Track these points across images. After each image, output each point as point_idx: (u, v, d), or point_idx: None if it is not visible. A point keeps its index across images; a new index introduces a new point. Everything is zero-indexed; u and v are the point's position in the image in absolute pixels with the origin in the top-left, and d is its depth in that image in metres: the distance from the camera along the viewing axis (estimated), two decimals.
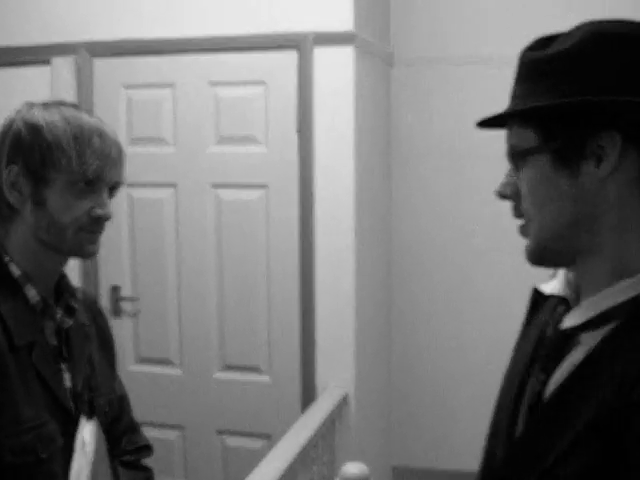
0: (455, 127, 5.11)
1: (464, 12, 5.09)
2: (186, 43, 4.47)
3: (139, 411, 4.72)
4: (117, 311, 4.74)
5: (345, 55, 4.27)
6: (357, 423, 4.49)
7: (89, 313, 2.07)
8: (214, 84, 4.48)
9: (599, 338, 1.32)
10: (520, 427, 1.46)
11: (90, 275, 4.72)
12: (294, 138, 4.37)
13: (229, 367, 4.62)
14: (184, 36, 4.46)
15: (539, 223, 1.39)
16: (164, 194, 4.62)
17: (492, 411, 1.63)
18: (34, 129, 1.80)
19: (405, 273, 5.30)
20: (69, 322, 1.91)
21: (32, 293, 1.84)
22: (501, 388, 1.61)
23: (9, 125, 1.83)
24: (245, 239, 4.50)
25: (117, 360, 2.24)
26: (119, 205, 4.65)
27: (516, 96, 1.42)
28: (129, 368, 4.74)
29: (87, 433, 1.90)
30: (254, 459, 3.99)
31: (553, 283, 1.53)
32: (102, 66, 4.64)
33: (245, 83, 4.45)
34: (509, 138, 1.44)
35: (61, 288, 1.94)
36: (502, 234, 5.06)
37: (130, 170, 4.64)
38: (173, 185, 4.60)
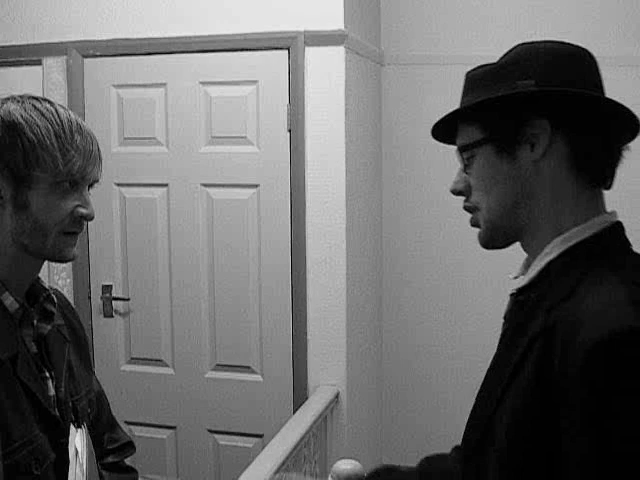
0: None
1: (454, 12, 5.09)
2: (177, 43, 4.47)
3: (131, 410, 4.75)
4: (108, 311, 4.74)
5: (336, 55, 4.28)
6: (349, 421, 4.50)
7: (60, 312, 1.96)
8: (205, 84, 4.49)
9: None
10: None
11: (81, 274, 4.72)
12: (285, 137, 4.38)
13: (221, 366, 4.62)
14: (175, 36, 4.46)
15: (487, 207, 1.61)
16: (156, 194, 4.62)
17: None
18: (13, 128, 1.71)
19: (396, 272, 5.31)
20: (47, 328, 1.84)
21: (9, 301, 1.75)
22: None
23: None
24: (237, 239, 4.51)
25: (95, 354, 2.17)
26: (111, 204, 4.66)
27: (461, 104, 1.67)
28: (121, 368, 4.75)
29: (78, 441, 1.87)
30: (246, 458, 4.01)
31: (514, 273, 1.73)
32: (93, 66, 4.63)
33: (236, 83, 4.45)
34: (458, 140, 1.67)
35: (34, 291, 1.86)
36: None
37: (122, 170, 4.69)
38: (165, 185, 4.60)
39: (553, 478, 1.39)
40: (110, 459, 2.13)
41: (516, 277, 1.70)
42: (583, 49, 1.61)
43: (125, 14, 4.53)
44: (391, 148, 5.23)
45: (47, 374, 1.82)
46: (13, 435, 1.65)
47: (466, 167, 1.64)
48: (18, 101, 1.77)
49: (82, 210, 1.78)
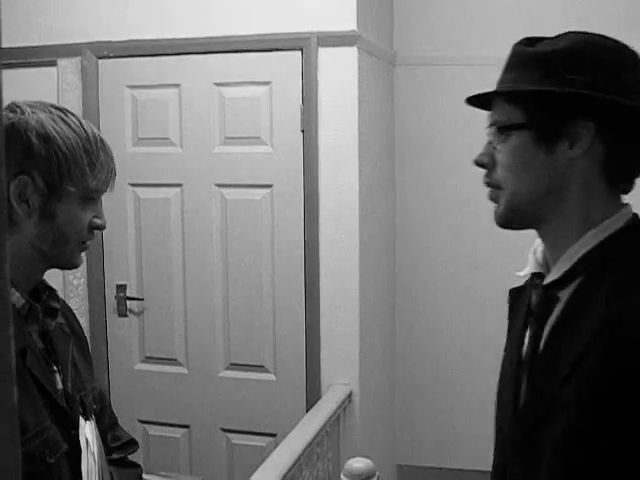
0: (458, 126, 5.13)
1: (466, 13, 5.10)
2: (191, 44, 4.49)
3: (145, 409, 4.78)
4: (123, 310, 4.76)
5: (349, 55, 4.29)
6: (362, 421, 4.52)
7: (61, 312, 1.99)
8: (219, 84, 4.51)
9: (571, 291, 1.55)
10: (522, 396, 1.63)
11: (96, 274, 4.74)
12: (299, 138, 4.40)
13: (234, 365, 4.64)
14: (189, 37, 4.48)
15: (513, 190, 1.61)
16: (170, 194, 4.64)
17: (497, 393, 1.78)
18: (47, 140, 1.73)
19: (410, 271, 5.32)
20: (52, 323, 1.87)
21: (16, 297, 1.77)
22: (500, 372, 1.79)
23: (15, 131, 1.72)
24: (250, 239, 4.53)
25: (108, 353, 2.20)
26: (125, 205, 4.68)
27: (506, 80, 1.63)
28: (135, 367, 4.77)
29: (88, 433, 1.91)
30: (259, 457, 4.03)
31: (524, 270, 1.76)
32: (107, 67, 4.66)
33: (250, 83, 4.47)
34: (494, 114, 1.66)
35: (38, 290, 1.89)
36: (507, 234, 5.08)
37: (136, 170, 4.71)
38: (179, 185, 4.62)
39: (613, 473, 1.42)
40: (115, 455, 2.16)
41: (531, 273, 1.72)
42: (634, 51, 1.60)
43: (139, 15, 4.56)
44: (404, 148, 5.24)
45: (54, 368, 1.86)
46: (26, 425, 1.67)
47: (498, 142, 1.63)
48: (44, 111, 1.78)
49: (97, 221, 1.84)
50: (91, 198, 1.81)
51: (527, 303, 1.71)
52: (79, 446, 1.85)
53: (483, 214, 5.07)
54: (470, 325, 5.25)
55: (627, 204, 1.61)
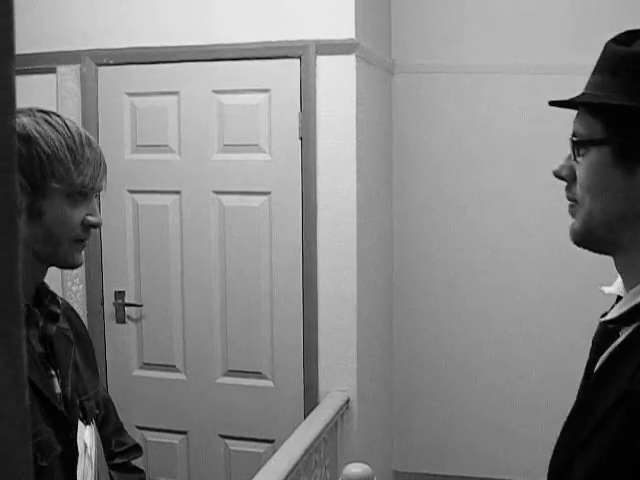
0: (456, 134, 5.15)
1: (464, 21, 5.13)
2: (190, 51, 4.51)
3: (143, 416, 4.79)
4: (121, 316, 4.77)
5: (347, 63, 4.31)
6: (359, 427, 4.53)
7: (65, 317, 2.03)
8: (218, 92, 4.52)
9: (630, 330, 1.40)
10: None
11: (94, 280, 4.75)
12: (297, 145, 4.41)
13: (232, 372, 4.65)
14: (188, 44, 4.50)
15: (589, 209, 1.44)
16: (168, 201, 4.66)
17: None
18: (27, 141, 1.75)
19: (408, 278, 5.33)
20: (53, 328, 1.88)
21: None
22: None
23: None
24: (248, 245, 4.54)
25: (107, 359, 2.21)
26: (124, 211, 4.69)
27: (592, 85, 1.46)
28: (133, 373, 4.78)
29: (87, 437, 1.91)
30: (257, 463, 4.04)
31: (614, 285, 1.57)
32: (107, 74, 4.68)
33: (248, 91, 4.48)
34: (576, 122, 1.48)
35: (40, 294, 1.91)
36: (506, 235, 5.10)
37: (135, 177, 4.73)
38: (177, 192, 4.63)
39: None
40: (118, 460, 2.18)
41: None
42: None
43: (138, 23, 4.58)
44: (402, 155, 5.26)
45: (53, 372, 1.87)
46: None
47: (577, 156, 1.46)
48: (29, 115, 1.82)
49: (91, 218, 1.85)
50: (81, 195, 1.82)
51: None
52: (75, 450, 1.86)
53: (480, 221, 5.12)
54: (468, 332, 5.26)
55: None
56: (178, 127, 4.60)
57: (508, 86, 5.08)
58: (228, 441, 4.69)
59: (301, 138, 4.39)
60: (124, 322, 4.78)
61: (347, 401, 4.42)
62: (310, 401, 4.47)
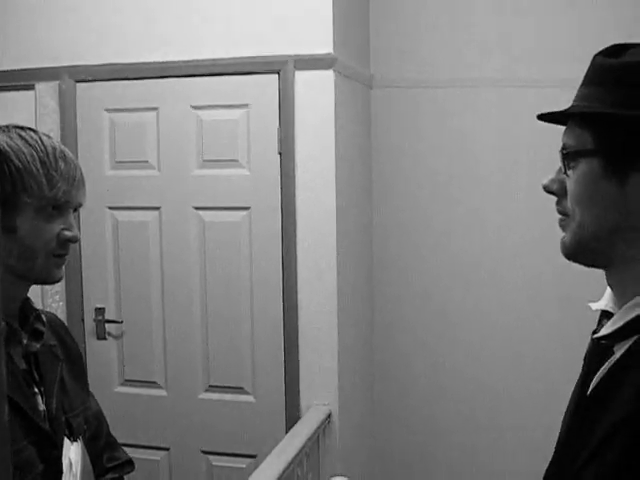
0: (435, 147, 5.16)
1: (443, 36, 5.14)
2: (169, 67, 4.52)
3: (125, 432, 4.75)
4: (101, 333, 4.76)
5: (325, 78, 4.33)
6: (341, 441, 4.52)
7: (54, 333, 2.03)
8: (197, 107, 4.53)
9: (626, 347, 1.37)
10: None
11: (74, 297, 4.74)
12: (276, 160, 4.42)
13: (214, 387, 4.64)
14: (167, 60, 4.51)
15: (580, 221, 1.43)
16: (148, 217, 4.65)
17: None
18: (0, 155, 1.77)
19: (388, 292, 5.34)
20: (36, 346, 1.88)
21: None
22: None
23: None
24: (228, 261, 4.54)
25: (88, 376, 2.20)
26: (104, 228, 4.68)
27: (580, 97, 1.45)
28: (114, 390, 4.76)
29: (73, 454, 1.91)
30: (240, 479, 4.03)
31: (601, 301, 1.55)
32: (85, 90, 4.67)
33: (227, 106, 4.49)
34: (565, 136, 1.47)
35: (25, 312, 1.91)
36: (483, 251, 5.12)
37: (114, 193, 4.72)
38: (157, 208, 4.63)
39: None
40: (109, 476, 2.17)
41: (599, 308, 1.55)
42: None
43: (117, 39, 4.58)
44: (381, 169, 5.27)
45: (36, 389, 1.86)
46: None
47: (567, 169, 1.45)
48: (3, 131, 1.83)
49: (67, 233, 1.85)
50: (55, 210, 1.82)
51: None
52: (60, 467, 1.85)
53: (459, 233, 5.13)
54: (450, 345, 5.26)
55: None
56: (157, 143, 4.60)
57: (487, 100, 5.10)
58: (210, 457, 4.68)
59: (280, 153, 4.40)
60: (104, 339, 4.77)
61: (329, 415, 4.42)
62: (292, 416, 4.47)
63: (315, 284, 4.41)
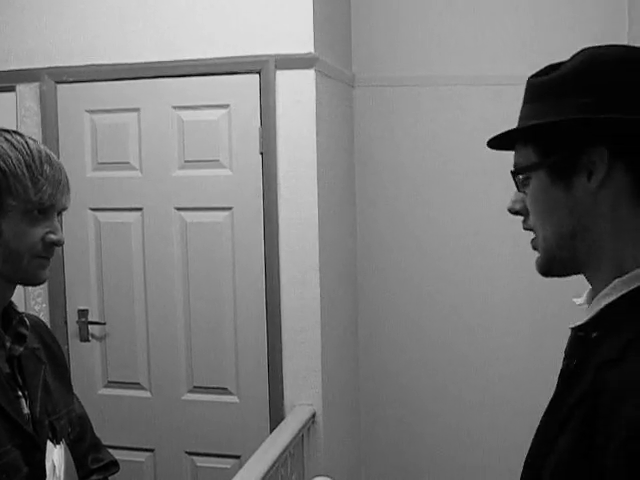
0: (418, 146, 5.17)
1: (424, 35, 5.15)
2: (149, 68, 4.51)
3: (109, 434, 4.74)
4: (85, 335, 4.75)
5: (307, 78, 4.33)
6: (326, 441, 4.53)
7: (37, 336, 2.04)
8: (178, 108, 4.52)
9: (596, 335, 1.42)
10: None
11: (57, 299, 4.73)
12: (258, 160, 4.42)
13: (197, 388, 4.63)
14: (147, 61, 4.50)
15: (543, 235, 1.49)
16: (130, 218, 4.64)
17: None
18: None
19: (372, 291, 5.34)
20: (19, 349, 1.89)
21: None
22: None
23: None
24: (211, 261, 4.54)
25: (72, 378, 2.21)
26: (86, 229, 4.67)
27: (520, 118, 1.51)
28: (98, 392, 4.76)
29: (56, 457, 1.90)
30: (224, 479, 4.02)
31: (584, 296, 1.58)
32: (66, 92, 4.66)
33: (208, 107, 4.48)
34: (515, 157, 1.53)
35: (8, 315, 1.91)
36: (464, 250, 5.13)
37: (96, 195, 4.71)
38: (139, 209, 4.62)
39: None
40: (94, 477, 2.17)
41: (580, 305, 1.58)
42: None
43: (97, 40, 4.56)
44: (364, 169, 5.28)
45: (20, 393, 1.87)
46: None
47: (521, 187, 1.52)
48: None
49: (52, 236, 1.84)
50: (41, 213, 1.82)
51: None
52: (43, 471, 1.86)
53: (444, 232, 5.14)
54: (436, 343, 5.28)
55: None
56: (139, 144, 4.60)
57: (470, 98, 5.11)
58: (195, 457, 4.67)
59: (262, 153, 4.40)
60: (88, 340, 4.76)
61: (313, 415, 4.42)
62: (276, 416, 4.47)
63: (298, 284, 4.41)
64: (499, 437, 5.16)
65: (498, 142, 1.59)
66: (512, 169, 1.52)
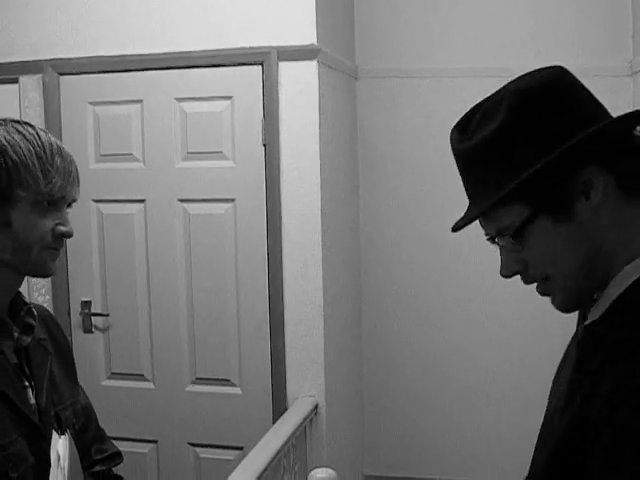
0: (421, 138, 5.17)
1: (427, 26, 5.15)
2: (152, 60, 4.51)
3: (112, 425, 4.75)
4: (88, 326, 4.76)
5: (309, 69, 4.32)
6: (328, 432, 4.53)
7: (44, 326, 2.04)
8: (181, 100, 4.52)
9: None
10: None
11: (61, 290, 4.74)
12: (261, 152, 4.42)
13: (200, 380, 4.64)
14: (150, 52, 4.49)
15: (561, 275, 1.46)
16: (133, 209, 4.65)
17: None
18: None
19: (375, 282, 5.34)
20: (27, 340, 1.89)
21: None
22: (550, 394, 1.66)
23: None
24: (214, 253, 4.54)
25: (76, 369, 2.21)
26: (89, 221, 4.68)
27: (471, 190, 1.52)
28: (101, 383, 4.76)
29: (61, 447, 1.91)
30: (227, 470, 4.02)
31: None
32: (69, 84, 4.66)
33: (211, 98, 4.48)
34: (490, 225, 1.51)
35: (16, 306, 1.91)
36: (468, 241, 5.13)
37: (99, 186, 4.70)
38: (142, 200, 4.62)
39: None
40: (98, 468, 2.17)
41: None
42: (557, 67, 1.50)
43: (100, 32, 4.56)
44: (367, 160, 5.28)
45: (27, 383, 1.87)
46: None
47: (518, 245, 1.48)
48: (1, 124, 1.82)
49: (62, 228, 1.84)
50: (51, 205, 1.82)
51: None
52: (48, 461, 1.86)
53: (447, 223, 5.12)
54: (439, 333, 5.28)
55: None
56: (142, 135, 4.60)
57: (473, 89, 5.06)
58: (198, 449, 4.68)
59: (265, 144, 4.40)
60: (91, 332, 4.77)
61: (316, 406, 4.43)
62: (278, 407, 4.47)
63: (301, 275, 4.41)
64: (503, 428, 5.16)
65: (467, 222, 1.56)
66: (500, 232, 1.50)
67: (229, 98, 4.45)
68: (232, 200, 4.48)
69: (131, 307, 4.71)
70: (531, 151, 1.41)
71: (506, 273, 1.54)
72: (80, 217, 4.60)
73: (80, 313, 4.76)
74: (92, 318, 4.76)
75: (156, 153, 4.58)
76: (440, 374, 5.30)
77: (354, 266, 5.23)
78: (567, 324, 1.54)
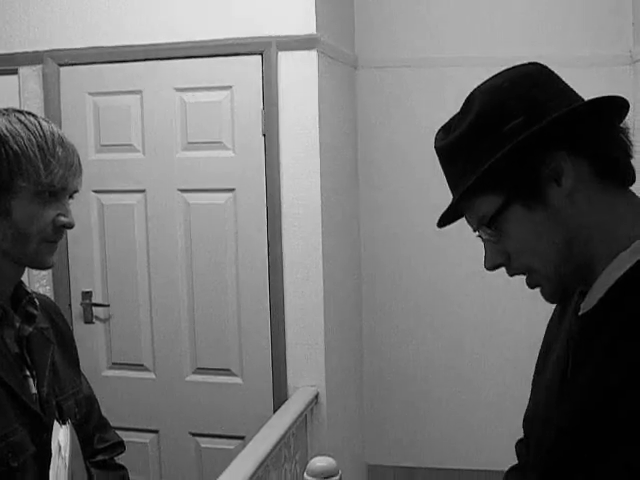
0: (422, 128, 5.16)
1: (427, 16, 5.14)
2: (152, 50, 4.50)
3: (113, 415, 4.75)
4: (89, 317, 4.76)
5: (309, 59, 4.32)
6: (329, 422, 4.54)
7: (46, 316, 2.04)
8: (180, 90, 4.52)
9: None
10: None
11: (61, 281, 4.74)
12: (260, 142, 4.42)
13: (201, 370, 4.65)
14: (150, 43, 4.49)
15: (543, 264, 1.48)
16: (133, 200, 4.65)
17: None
18: None
19: (374, 271, 5.35)
20: (29, 329, 1.89)
21: None
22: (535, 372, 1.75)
23: None
24: (214, 243, 4.54)
25: (79, 359, 2.21)
26: (89, 211, 4.68)
27: (452, 181, 1.56)
28: (102, 373, 4.77)
29: (62, 437, 1.91)
30: (228, 460, 4.03)
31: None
32: (69, 74, 4.66)
33: (211, 88, 4.48)
34: (472, 215, 1.54)
35: (18, 295, 1.92)
36: (469, 236, 5.13)
37: (99, 177, 4.70)
38: (142, 191, 4.63)
39: None
40: (100, 457, 2.17)
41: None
42: (533, 64, 1.56)
43: (99, 22, 4.56)
44: (367, 150, 5.27)
45: (28, 373, 1.87)
46: None
47: (496, 237, 1.51)
48: (3, 114, 1.83)
49: (63, 219, 1.84)
50: (52, 195, 1.82)
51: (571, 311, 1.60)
52: (50, 450, 1.86)
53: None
54: (438, 324, 5.29)
55: None
56: (141, 126, 4.60)
57: (474, 79, 5.02)
58: (199, 438, 4.70)
59: (264, 134, 4.40)
60: (92, 322, 4.77)
61: (316, 396, 4.44)
62: (279, 397, 4.48)
63: (301, 265, 4.41)
64: (503, 420, 5.16)
65: (451, 216, 1.61)
66: (480, 223, 1.52)
67: (229, 88, 4.45)
68: (232, 190, 4.48)
69: (132, 297, 4.71)
70: (503, 142, 1.42)
71: (489, 265, 1.56)
72: (80, 208, 4.59)
73: (81, 304, 4.76)
74: (93, 308, 4.77)
75: (156, 143, 4.58)
76: (439, 364, 5.30)
77: (354, 255, 5.24)
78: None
